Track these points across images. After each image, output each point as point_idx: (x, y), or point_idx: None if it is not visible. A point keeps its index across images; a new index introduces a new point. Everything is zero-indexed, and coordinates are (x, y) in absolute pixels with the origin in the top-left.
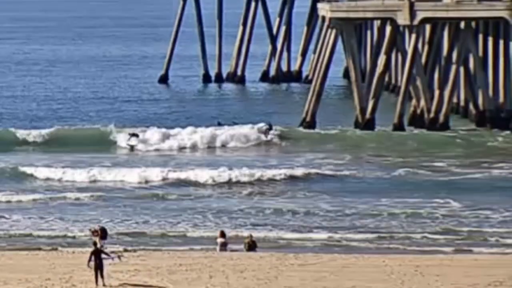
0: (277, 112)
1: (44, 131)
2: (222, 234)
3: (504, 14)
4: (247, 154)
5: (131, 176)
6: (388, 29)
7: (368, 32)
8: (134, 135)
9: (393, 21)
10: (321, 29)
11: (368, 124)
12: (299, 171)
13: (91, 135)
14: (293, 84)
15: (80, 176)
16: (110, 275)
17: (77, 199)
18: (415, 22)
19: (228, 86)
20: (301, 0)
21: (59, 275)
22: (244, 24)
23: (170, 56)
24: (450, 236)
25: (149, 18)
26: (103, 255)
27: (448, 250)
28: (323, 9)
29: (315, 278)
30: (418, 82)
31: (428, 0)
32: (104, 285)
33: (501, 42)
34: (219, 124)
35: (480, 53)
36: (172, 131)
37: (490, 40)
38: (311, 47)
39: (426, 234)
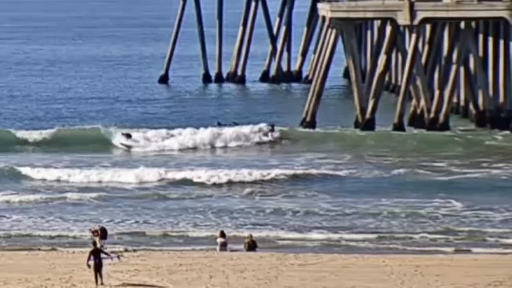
0: (277, 112)
1: (44, 132)
2: (222, 234)
3: (504, 14)
4: (247, 154)
5: (131, 176)
6: (388, 29)
7: (368, 32)
8: (127, 135)
9: (393, 21)
10: (321, 29)
11: (368, 124)
12: (299, 171)
13: (91, 135)
14: (293, 84)
15: (80, 176)
16: (110, 275)
17: (77, 199)
18: (415, 22)
19: (228, 86)
20: (301, 0)
21: (59, 275)
22: (244, 24)
23: (170, 56)
24: (450, 236)
25: (149, 18)
26: (102, 255)
27: (448, 250)
28: (323, 9)
29: (315, 278)
30: (418, 82)
31: (428, 0)
32: (102, 284)
33: (501, 42)
34: (219, 124)
35: (480, 53)
36: (172, 131)
37: (490, 40)
38: (311, 47)
39: (426, 234)
